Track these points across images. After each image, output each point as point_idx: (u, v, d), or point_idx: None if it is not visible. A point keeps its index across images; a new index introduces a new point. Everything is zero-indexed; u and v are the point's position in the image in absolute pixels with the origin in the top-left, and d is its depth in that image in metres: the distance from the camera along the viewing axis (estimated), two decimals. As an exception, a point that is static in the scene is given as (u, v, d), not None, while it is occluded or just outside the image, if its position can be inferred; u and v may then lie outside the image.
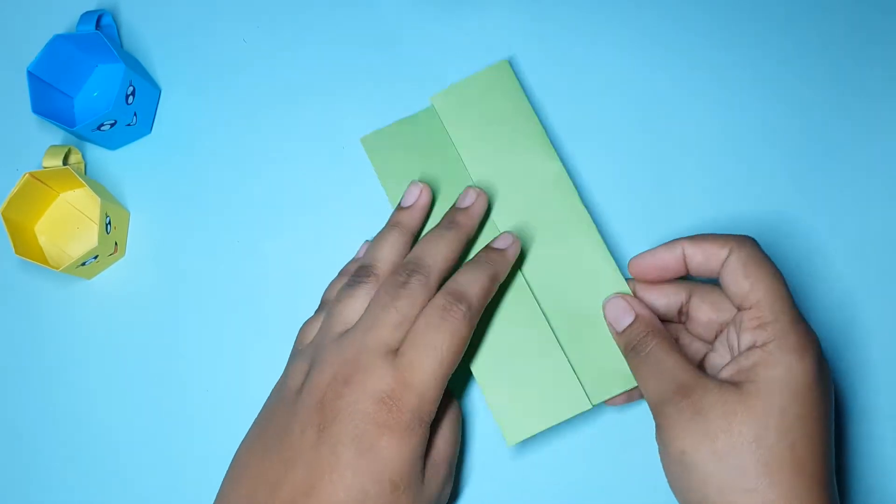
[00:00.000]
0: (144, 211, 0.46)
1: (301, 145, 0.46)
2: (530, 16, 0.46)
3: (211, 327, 0.44)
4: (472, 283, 0.36)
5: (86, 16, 0.45)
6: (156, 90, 0.47)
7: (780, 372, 0.32)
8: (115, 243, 0.44)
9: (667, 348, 0.35)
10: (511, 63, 0.39)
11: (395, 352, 0.34)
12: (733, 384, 0.32)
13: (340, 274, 0.42)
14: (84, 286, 0.45)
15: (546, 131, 0.41)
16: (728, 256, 0.34)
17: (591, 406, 0.37)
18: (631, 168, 0.44)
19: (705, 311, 0.36)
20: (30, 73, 0.43)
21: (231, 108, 0.47)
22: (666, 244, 0.36)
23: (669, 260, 0.36)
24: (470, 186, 0.39)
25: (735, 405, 0.32)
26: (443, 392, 0.34)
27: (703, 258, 0.35)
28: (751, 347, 0.33)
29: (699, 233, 0.36)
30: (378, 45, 0.47)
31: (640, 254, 0.37)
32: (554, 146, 0.41)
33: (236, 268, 0.44)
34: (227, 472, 0.36)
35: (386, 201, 0.42)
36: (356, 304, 0.37)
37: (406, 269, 0.36)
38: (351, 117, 0.46)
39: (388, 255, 0.38)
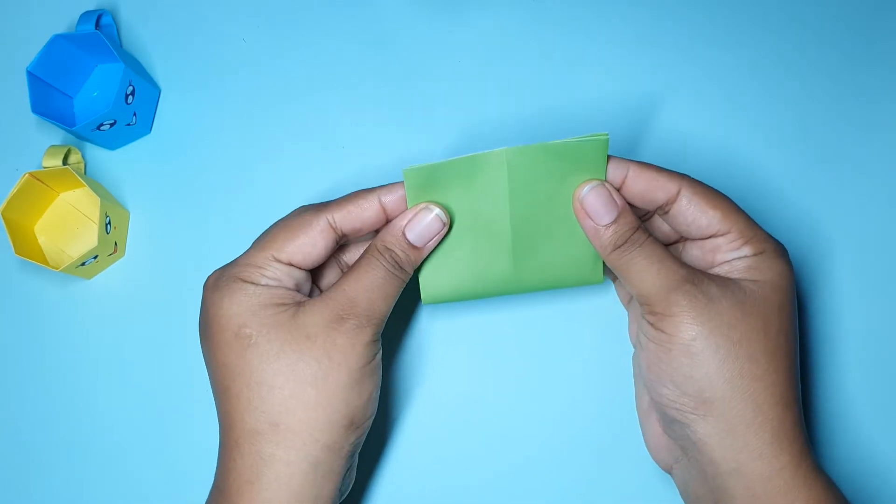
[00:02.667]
0: (144, 211, 0.46)
1: (301, 145, 0.46)
2: (530, 16, 0.46)
3: (211, 327, 0.44)
4: None
5: (85, 15, 0.45)
6: (155, 90, 0.47)
7: (774, 275, 0.34)
8: (115, 243, 0.44)
9: (655, 243, 0.34)
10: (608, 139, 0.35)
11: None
12: (733, 281, 0.34)
13: None
14: (84, 286, 0.45)
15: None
16: (680, 192, 0.34)
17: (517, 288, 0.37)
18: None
19: (693, 212, 0.35)
20: (29, 73, 0.43)
21: (231, 107, 0.47)
22: (615, 161, 0.35)
23: (615, 176, 0.35)
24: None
25: (743, 298, 0.33)
26: (273, 253, 0.35)
27: (645, 187, 0.34)
28: (740, 258, 0.34)
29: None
30: (378, 45, 0.47)
31: (614, 164, 0.35)
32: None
33: (236, 268, 0.44)
34: None
35: None
36: None
37: None
38: (350, 117, 0.46)
39: None
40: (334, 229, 0.35)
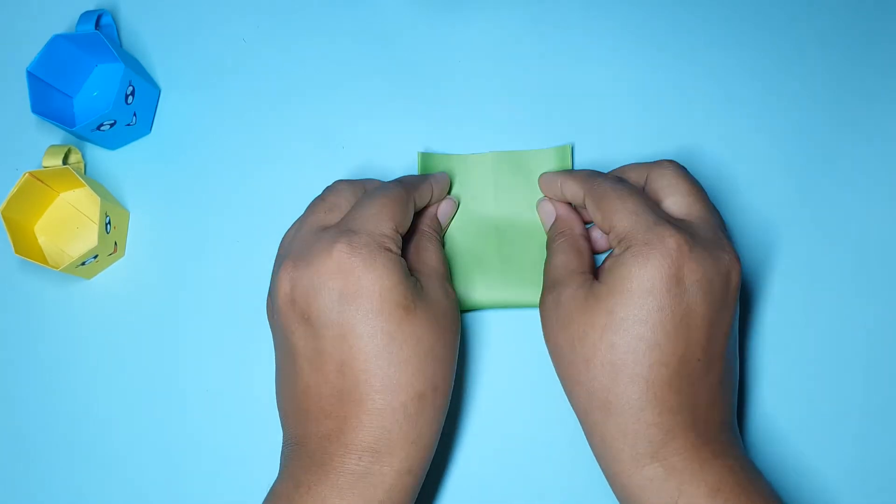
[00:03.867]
0: (144, 211, 0.46)
1: (301, 145, 0.46)
2: (530, 16, 0.46)
3: (210, 327, 0.44)
4: (408, 176, 0.41)
5: (85, 15, 0.45)
6: (155, 90, 0.47)
7: (622, 273, 0.33)
8: (115, 243, 0.44)
9: (566, 247, 0.39)
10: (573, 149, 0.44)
11: (330, 226, 0.36)
12: (592, 282, 0.35)
13: None
14: (84, 286, 0.45)
15: None
16: (585, 196, 0.38)
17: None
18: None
19: (590, 214, 0.38)
20: (29, 73, 0.43)
21: (231, 107, 0.47)
22: (551, 175, 0.41)
23: (554, 191, 0.41)
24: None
25: (584, 300, 0.34)
26: (395, 225, 0.36)
27: (570, 195, 0.40)
28: (611, 256, 0.35)
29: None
30: (378, 45, 0.47)
31: (543, 179, 0.42)
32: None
33: (236, 267, 0.44)
34: (279, 411, 0.37)
35: None
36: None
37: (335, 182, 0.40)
38: (351, 117, 0.46)
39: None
40: (415, 206, 0.39)
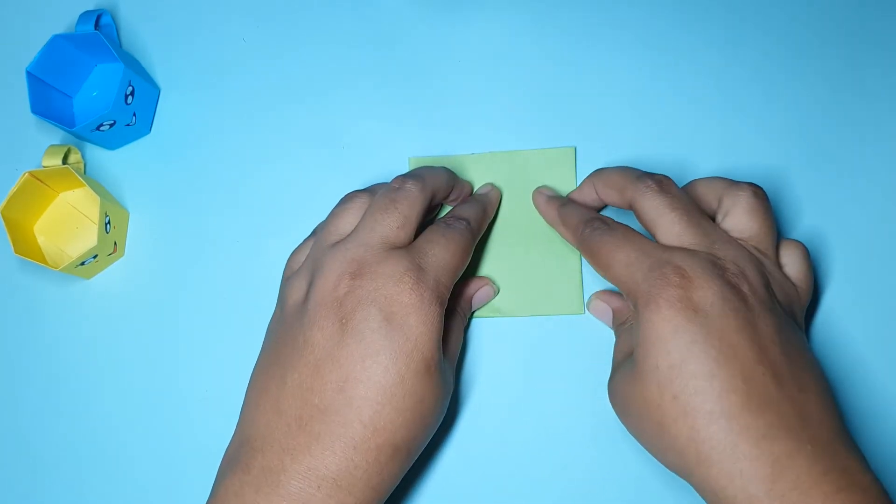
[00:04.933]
0: (144, 211, 0.46)
1: (301, 145, 0.46)
2: (531, 16, 0.46)
3: (210, 327, 0.44)
4: (469, 209, 0.40)
5: (85, 15, 0.45)
6: (155, 90, 0.47)
7: (644, 331, 0.32)
8: (115, 243, 0.44)
9: (621, 331, 0.38)
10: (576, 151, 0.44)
11: (401, 248, 0.35)
12: (634, 355, 0.34)
13: None
14: (83, 286, 0.45)
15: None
16: (578, 248, 0.38)
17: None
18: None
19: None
20: (29, 74, 0.43)
21: (231, 107, 0.47)
22: (545, 206, 0.42)
23: (551, 220, 0.41)
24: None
25: (631, 375, 0.33)
26: (456, 277, 0.36)
27: (568, 236, 0.40)
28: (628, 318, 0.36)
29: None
30: (378, 45, 0.47)
31: (540, 205, 0.42)
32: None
33: (236, 267, 0.44)
34: (245, 402, 0.36)
35: None
36: (349, 217, 0.37)
37: (401, 178, 0.38)
38: (351, 117, 0.46)
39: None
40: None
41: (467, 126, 0.45)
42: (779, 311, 0.33)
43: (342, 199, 0.39)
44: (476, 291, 0.41)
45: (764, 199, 0.36)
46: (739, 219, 0.36)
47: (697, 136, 0.44)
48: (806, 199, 0.43)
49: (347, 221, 0.37)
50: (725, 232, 0.35)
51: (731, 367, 0.30)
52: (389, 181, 0.38)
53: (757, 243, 0.35)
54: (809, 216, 0.43)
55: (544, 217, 0.42)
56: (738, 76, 0.45)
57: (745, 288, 0.33)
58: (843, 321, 0.42)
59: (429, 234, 0.37)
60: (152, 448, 0.43)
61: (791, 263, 0.36)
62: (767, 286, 0.34)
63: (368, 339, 0.33)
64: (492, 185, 0.43)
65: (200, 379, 0.43)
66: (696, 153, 0.44)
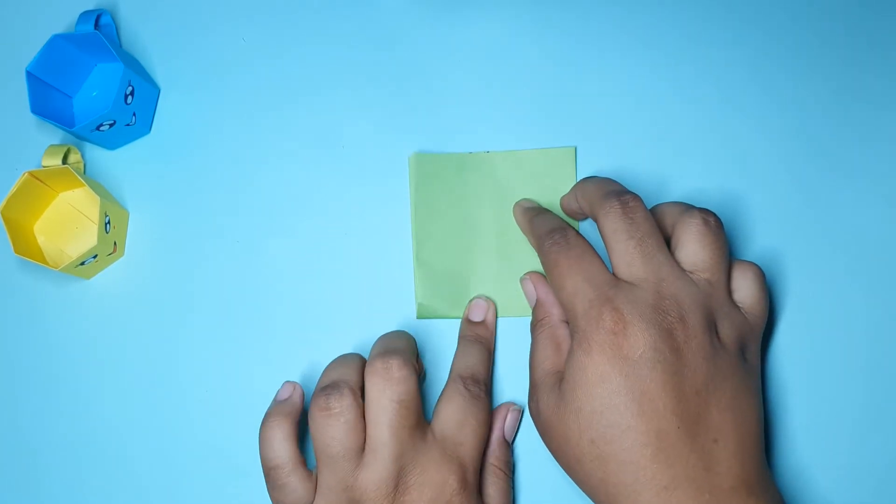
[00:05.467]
0: (144, 211, 0.46)
1: (301, 145, 0.46)
2: (531, 17, 0.46)
3: (210, 327, 0.44)
4: (479, 363, 0.39)
5: (84, 15, 0.45)
6: (155, 90, 0.47)
7: (575, 367, 0.34)
8: (115, 243, 0.44)
9: (544, 340, 0.38)
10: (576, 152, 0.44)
11: (426, 423, 0.36)
12: (561, 382, 0.35)
13: None
14: (83, 286, 0.45)
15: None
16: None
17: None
18: (629, 168, 0.44)
19: None
20: (28, 73, 0.43)
21: (231, 107, 0.47)
22: (521, 212, 0.42)
23: (523, 228, 0.42)
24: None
25: (556, 406, 0.35)
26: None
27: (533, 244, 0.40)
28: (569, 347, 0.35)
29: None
30: (378, 45, 0.47)
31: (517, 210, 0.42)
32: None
33: (236, 268, 0.44)
34: None
35: (392, 209, 0.44)
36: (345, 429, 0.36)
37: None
38: (350, 117, 0.46)
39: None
40: None
41: (467, 126, 0.45)
42: (718, 355, 0.34)
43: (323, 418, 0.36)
44: (505, 425, 0.40)
45: (715, 227, 0.36)
46: (690, 248, 0.35)
47: (697, 136, 0.44)
48: (806, 199, 0.43)
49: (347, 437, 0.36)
50: (677, 264, 0.35)
51: (648, 422, 0.32)
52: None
53: (708, 274, 0.35)
54: (810, 216, 0.43)
55: (520, 227, 0.42)
56: (738, 76, 0.45)
57: (680, 337, 0.33)
58: (844, 323, 0.42)
59: (454, 411, 0.36)
60: (152, 448, 0.43)
61: (743, 288, 0.36)
62: (709, 328, 0.34)
63: None
64: (485, 300, 0.42)
65: (200, 379, 0.43)
66: (696, 153, 0.44)
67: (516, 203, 0.43)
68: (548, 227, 0.38)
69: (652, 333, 0.33)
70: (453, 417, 0.36)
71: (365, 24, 0.47)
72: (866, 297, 0.42)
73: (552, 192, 0.43)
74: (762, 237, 0.43)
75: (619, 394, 0.32)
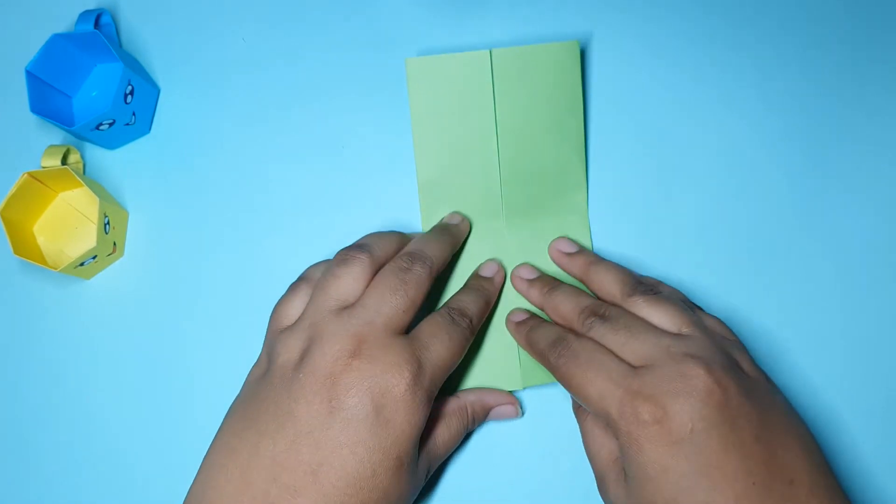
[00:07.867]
0: (143, 211, 0.46)
1: (301, 145, 0.46)
2: (531, 19, 0.46)
3: (210, 327, 0.44)
4: (472, 303, 0.39)
5: (84, 15, 0.45)
6: (155, 90, 0.47)
7: (637, 465, 0.32)
8: (114, 243, 0.44)
9: (590, 423, 0.37)
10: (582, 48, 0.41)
11: (404, 334, 0.35)
12: (624, 474, 0.34)
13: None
14: (83, 286, 0.45)
15: (585, 127, 0.42)
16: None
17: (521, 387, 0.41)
18: (629, 169, 0.44)
19: None
20: (28, 73, 0.43)
21: (230, 107, 0.46)
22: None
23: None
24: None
25: (626, 499, 0.33)
26: (449, 373, 0.36)
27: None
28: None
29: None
30: (378, 46, 0.47)
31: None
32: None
33: (235, 268, 0.44)
34: (208, 458, 0.34)
35: (392, 209, 0.43)
36: (351, 282, 0.36)
37: (409, 256, 0.37)
38: (351, 118, 0.46)
39: (390, 246, 0.38)
40: None
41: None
42: (755, 389, 0.33)
43: (341, 259, 0.37)
44: (498, 406, 0.40)
45: (660, 292, 0.37)
46: (659, 319, 0.36)
47: (697, 136, 0.44)
48: (805, 199, 0.43)
49: (350, 287, 0.36)
50: (666, 330, 0.35)
51: (724, 492, 0.31)
52: (384, 233, 0.38)
53: (690, 328, 0.35)
54: (809, 216, 0.43)
55: (516, 340, 0.40)
56: (735, 78, 0.45)
57: (717, 392, 0.32)
58: (839, 324, 0.42)
59: (432, 326, 0.36)
60: (152, 448, 0.43)
61: (707, 319, 0.37)
62: (733, 366, 0.34)
63: (353, 427, 0.32)
64: (497, 264, 0.42)
65: (200, 379, 0.43)
66: (695, 154, 0.44)
67: (507, 318, 0.41)
68: (547, 342, 0.37)
69: (692, 404, 0.31)
70: (428, 329, 0.36)
71: (365, 25, 0.47)
72: (862, 299, 0.42)
73: (555, 89, 0.41)
74: (757, 239, 0.43)
75: (687, 476, 0.31)
